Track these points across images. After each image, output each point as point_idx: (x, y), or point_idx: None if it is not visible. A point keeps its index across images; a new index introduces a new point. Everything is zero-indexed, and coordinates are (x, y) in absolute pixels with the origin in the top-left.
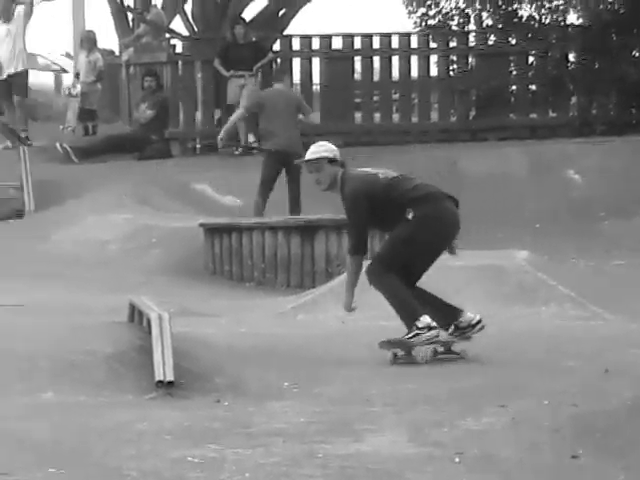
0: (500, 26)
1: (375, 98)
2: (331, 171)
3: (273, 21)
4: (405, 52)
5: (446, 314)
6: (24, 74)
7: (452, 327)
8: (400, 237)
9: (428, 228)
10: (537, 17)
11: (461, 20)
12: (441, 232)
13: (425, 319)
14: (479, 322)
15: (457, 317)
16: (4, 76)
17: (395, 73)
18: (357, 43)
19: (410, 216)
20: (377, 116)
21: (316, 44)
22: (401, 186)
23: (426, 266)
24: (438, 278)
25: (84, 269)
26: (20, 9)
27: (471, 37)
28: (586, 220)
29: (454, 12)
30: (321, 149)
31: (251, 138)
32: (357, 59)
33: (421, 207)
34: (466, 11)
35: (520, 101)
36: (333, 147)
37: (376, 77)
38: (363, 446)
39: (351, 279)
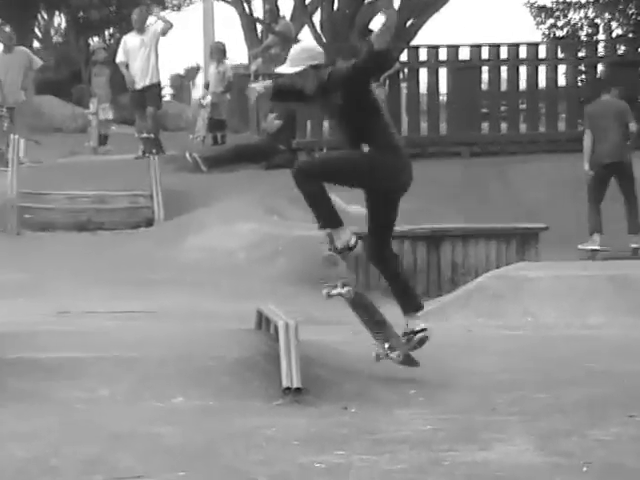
0: (630, 35)
1: (502, 108)
2: (318, 76)
3: (400, 31)
4: (533, 62)
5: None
6: (157, 85)
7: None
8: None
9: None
10: None
11: (590, 30)
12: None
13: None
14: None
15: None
16: (138, 87)
17: (522, 83)
18: (484, 53)
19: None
20: (504, 126)
21: (443, 54)
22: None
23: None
24: (563, 287)
25: (211, 277)
26: (158, 25)
27: (600, 47)
28: None
29: (583, 22)
30: (303, 55)
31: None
32: (484, 69)
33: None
34: (595, 21)
35: None
36: (315, 47)
37: (503, 87)
38: (490, 454)
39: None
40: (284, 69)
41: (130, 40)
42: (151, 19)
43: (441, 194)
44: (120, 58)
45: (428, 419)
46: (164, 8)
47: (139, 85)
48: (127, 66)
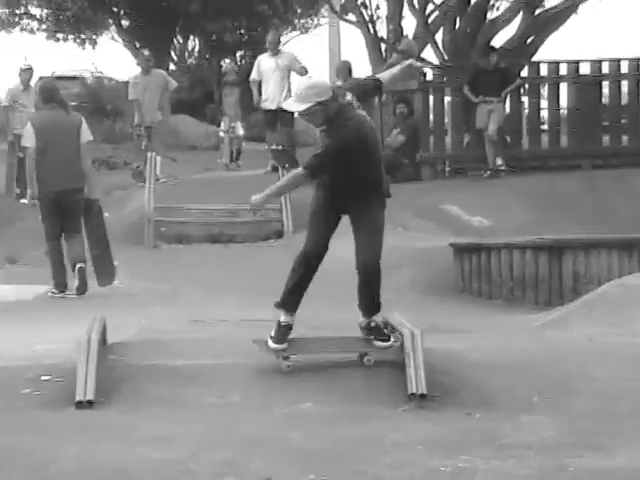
0: None
1: (623, 121)
2: (325, 111)
3: (521, 48)
4: None
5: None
6: None
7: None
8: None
9: None
10: None
11: None
12: None
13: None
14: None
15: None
16: (273, 107)
17: None
18: (605, 68)
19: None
20: (625, 139)
21: (563, 70)
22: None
23: None
24: (619, 294)
25: (338, 287)
26: (296, 64)
27: None
28: None
29: None
30: (310, 92)
31: (499, 161)
32: (605, 83)
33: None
34: None
35: None
36: (323, 83)
37: (624, 100)
38: (615, 461)
39: (284, 189)
40: (291, 106)
41: (265, 61)
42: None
43: (562, 206)
44: (254, 77)
45: (552, 425)
46: (293, 29)
47: (272, 106)
48: (260, 84)
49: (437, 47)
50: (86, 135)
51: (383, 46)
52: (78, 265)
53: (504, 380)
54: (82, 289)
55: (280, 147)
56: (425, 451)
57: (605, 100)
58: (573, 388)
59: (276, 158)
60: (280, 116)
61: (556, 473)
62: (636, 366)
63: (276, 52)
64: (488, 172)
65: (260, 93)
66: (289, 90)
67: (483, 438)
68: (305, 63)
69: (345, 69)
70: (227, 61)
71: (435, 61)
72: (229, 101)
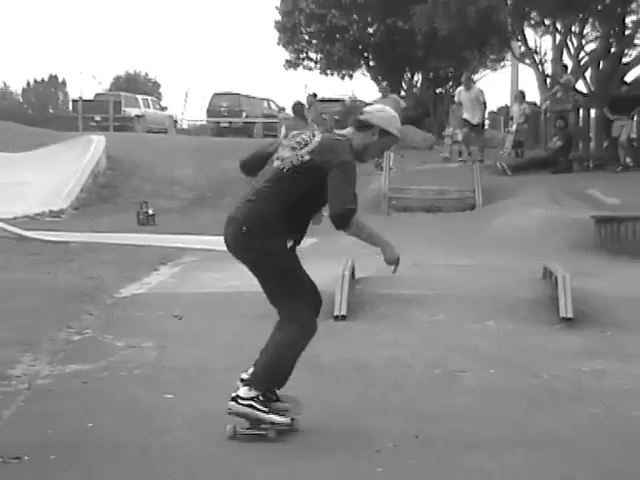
0: None
1: None
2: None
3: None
4: None
5: None
6: (481, 124)
7: None
8: None
9: None
10: None
11: None
12: None
13: None
14: None
15: None
16: (473, 122)
17: None
18: None
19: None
20: None
21: None
22: None
23: None
24: None
25: (513, 244)
26: (477, 93)
27: None
28: None
29: None
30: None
31: (628, 160)
32: None
33: None
34: None
35: None
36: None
37: None
38: None
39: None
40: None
41: (462, 94)
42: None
43: None
44: (457, 101)
45: None
46: (485, 69)
47: (473, 121)
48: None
49: (586, 81)
50: None
51: (548, 80)
52: None
53: (629, 310)
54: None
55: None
56: (571, 356)
57: None
58: None
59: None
60: (475, 130)
61: None
62: None
63: (468, 87)
64: (620, 167)
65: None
66: (479, 113)
67: (612, 349)
68: (488, 94)
69: (521, 94)
70: (440, 89)
71: (584, 90)
72: (455, 115)
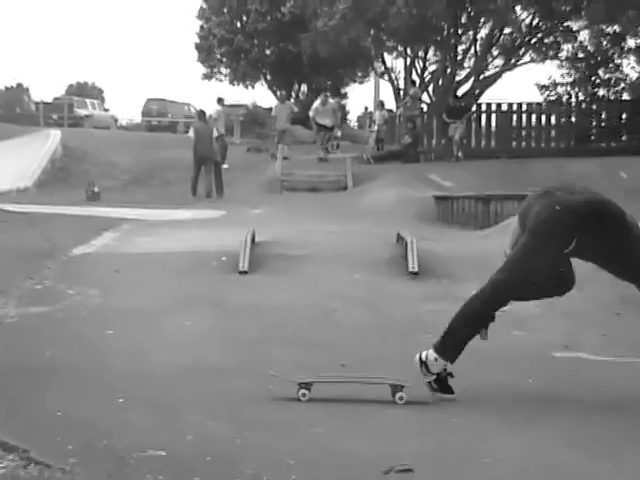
0: None
1: (523, 133)
2: None
3: (473, 95)
4: None
5: None
6: (336, 126)
7: None
8: None
9: None
10: None
11: None
12: None
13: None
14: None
15: None
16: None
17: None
18: (514, 107)
19: None
20: (523, 144)
21: (493, 107)
22: None
23: None
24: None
25: (376, 215)
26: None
27: None
28: None
29: None
30: None
31: (460, 154)
32: (513, 114)
33: None
34: None
35: None
36: None
37: (524, 123)
38: None
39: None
40: None
41: (318, 105)
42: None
43: (491, 177)
44: (312, 114)
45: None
46: (354, 82)
47: (328, 125)
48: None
49: (429, 93)
50: (213, 134)
51: (401, 92)
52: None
53: (459, 265)
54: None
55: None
56: (416, 300)
57: (514, 123)
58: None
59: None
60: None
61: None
62: None
63: (324, 103)
64: (454, 159)
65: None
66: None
67: (446, 294)
68: (357, 102)
69: (381, 103)
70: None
71: (427, 100)
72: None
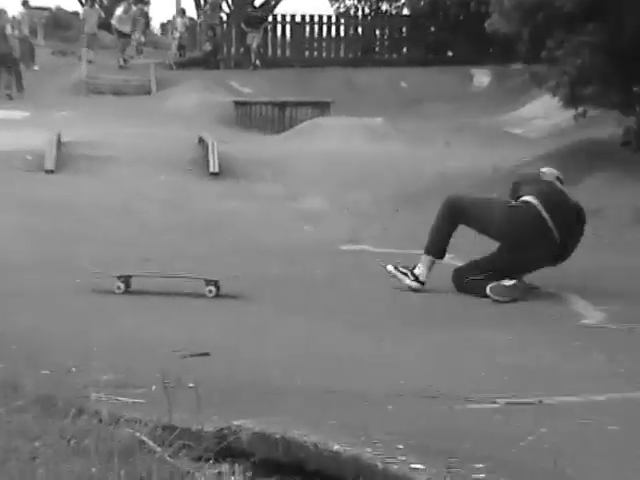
0: None
1: (316, 44)
2: None
3: (268, 7)
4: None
5: None
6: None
7: None
8: None
9: None
10: None
11: None
12: None
13: None
14: None
15: None
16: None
17: None
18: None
19: None
20: (316, 53)
21: (288, 18)
22: None
23: None
24: (309, 126)
25: (178, 120)
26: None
27: None
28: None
29: None
30: None
31: (257, 62)
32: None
33: None
34: None
35: None
36: None
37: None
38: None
39: None
40: None
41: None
42: None
43: (283, 84)
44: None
45: (279, 185)
46: None
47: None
48: None
49: (228, 3)
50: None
51: (202, 1)
52: None
53: (257, 166)
54: None
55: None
56: (217, 199)
57: (307, 34)
58: (291, 165)
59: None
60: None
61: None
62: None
63: (127, 10)
64: (252, 67)
65: None
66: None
67: (244, 193)
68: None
69: (181, 11)
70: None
71: (227, 10)
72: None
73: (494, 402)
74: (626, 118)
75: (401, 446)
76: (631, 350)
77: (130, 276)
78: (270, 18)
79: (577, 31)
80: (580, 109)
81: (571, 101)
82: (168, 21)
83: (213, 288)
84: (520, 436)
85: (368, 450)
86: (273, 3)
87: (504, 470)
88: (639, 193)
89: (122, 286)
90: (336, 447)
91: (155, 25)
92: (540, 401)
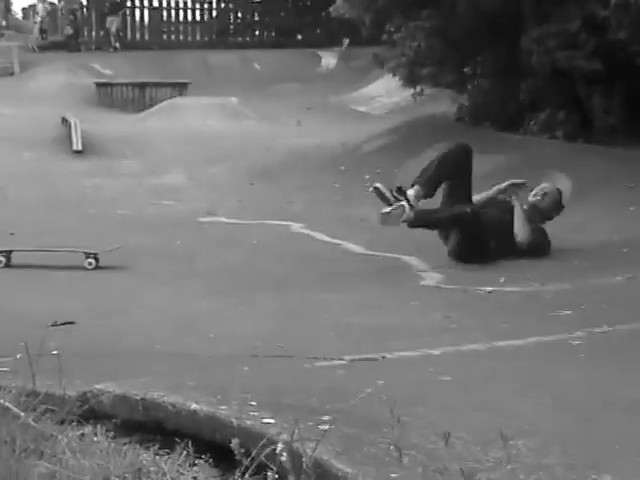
0: None
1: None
2: None
3: None
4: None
5: None
6: None
7: None
8: None
9: None
10: None
11: None
12: None
13: None
14: None
15: None
16: None
17: None
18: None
19: None
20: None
21: (146, 2)
22: None
23: None
24: (168, 105)
25: (44, 99)
26: None
27: None
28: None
29: None
30: None
31: (118, 44)
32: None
33: None
34: None
35: None
36: None
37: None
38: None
39: None
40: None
41: None
42: None
43: (158, 64)
44: None
45: (138, 163)
46: None
47: None
48: None
49: None
50: None
51: None
52: None
53: (118, 144)
54: None
55: None
56: (81, 176)
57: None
58: (152, 143)
59: None
60: None
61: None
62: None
63: None
64: (112, 49)
65: None
66: None
67: (106, 170)
68: None
69: None
70: None
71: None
72: None
73: (341, 359)
74: (459, 96)
75: (254, 403)
76: (464, 308)
77: (11, 251)
78: (128, 3)
79: (413, 17)
80: (418, 88)
81: (410, 81)
82: (30, 6)
83: (92, 260)
84: (359, 389)
85: (224, 408)
86: None
87: (346, 420)
88: (474, 164)
89: (3, 260)
90: (193, 406)
91: (17, 10)
92: (383, 357)
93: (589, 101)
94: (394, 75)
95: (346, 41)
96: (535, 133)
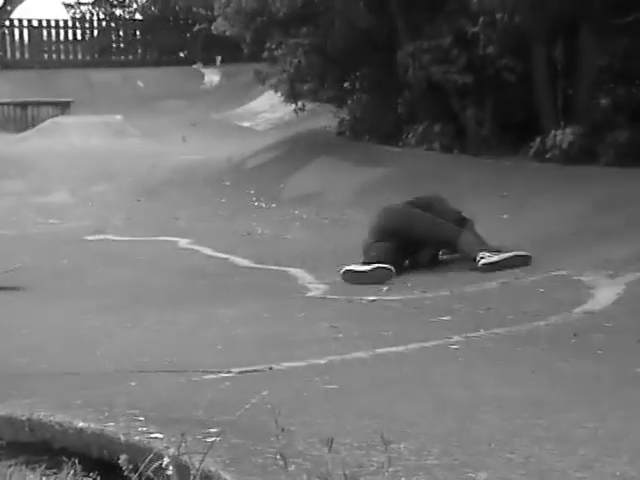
0: None
1: None
2: None
3: (6, 9)
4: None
5: None
6: None
7: None
8: None
9: None
10: None
11: None
12: None
13: None
14: None
15: None
16: None
17: None
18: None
19: None
20: None
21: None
22: None
23: None
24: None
25: None
26: None
27: None
28: None
29: None
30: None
31: None
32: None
33: None
34: None
35: None
36: None
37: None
38: None
39: None
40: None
41: None
42: None
43: None
44: None
45: None
46: None
47: None
48: None
49: None
50: None
51: None
52: None
53: None
54: None
55: None
56: None
57: (45, 38)
58: (35, 163)
59: None
60: None
61: None
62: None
63: None
64: None
65: None
66: None
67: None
68: None
69: None
70: None
71: None
72: None
73: (229, 372)
74: (340, 111)
75: (142, 418)
76: (349, 317)
77: None
78: (7, 22)
79: (293, 34)
80: (300, 103)
81: (291, 96)
82: None
83: None
84: (246, 400)
85: (111, 425)
86: (9, 8)
87: (233, 431)
88: (355, 176)
89: None
90: (80, 424)
91: None
92: (270, 368)
93: (463, 113)
94: (276, 91)
95: (219, 58)
96: (413, 145)
